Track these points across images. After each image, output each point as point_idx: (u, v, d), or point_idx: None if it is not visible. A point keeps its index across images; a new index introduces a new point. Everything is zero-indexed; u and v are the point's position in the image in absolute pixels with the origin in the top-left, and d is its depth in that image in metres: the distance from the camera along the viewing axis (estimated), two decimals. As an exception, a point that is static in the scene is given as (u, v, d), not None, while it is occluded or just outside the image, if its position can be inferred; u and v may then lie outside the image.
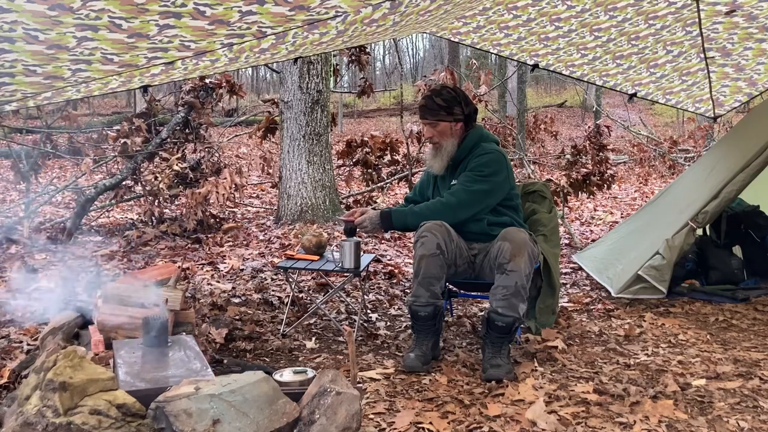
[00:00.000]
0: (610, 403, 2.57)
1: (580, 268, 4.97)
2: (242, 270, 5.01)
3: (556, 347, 3.20)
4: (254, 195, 9.57)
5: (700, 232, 4.32)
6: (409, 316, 3.10)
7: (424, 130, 3.28)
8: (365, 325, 3.66)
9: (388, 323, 3.75)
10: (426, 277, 2.95)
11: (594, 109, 17.18)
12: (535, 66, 4.61)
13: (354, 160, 7.89)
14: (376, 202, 7.75)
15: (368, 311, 3.92)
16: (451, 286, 3.61)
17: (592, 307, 4.03)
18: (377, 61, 35.31)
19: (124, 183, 6.67)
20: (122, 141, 6.49)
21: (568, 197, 6.82)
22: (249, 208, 8.24)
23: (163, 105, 7.78)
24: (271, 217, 7.43)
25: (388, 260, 5.31)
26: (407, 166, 7.97)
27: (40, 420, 1.79)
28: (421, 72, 32.52)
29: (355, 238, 3.34)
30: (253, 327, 3.57)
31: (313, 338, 3.44)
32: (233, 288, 4.46)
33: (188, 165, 6.71)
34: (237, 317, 3.75)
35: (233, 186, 6.42)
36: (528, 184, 3.92)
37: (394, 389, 2.73)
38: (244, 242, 6.12)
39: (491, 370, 2.82)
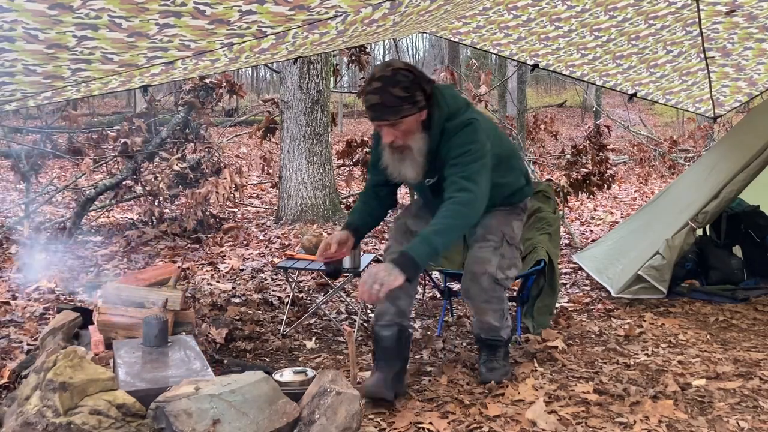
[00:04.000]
0: (610, 403, 2.57)
1: (580, 268, 4.97)
2: (242, 270, 5.01)
3: (556, 347, 3.20)
4: (254, 195, 9.57)
5: (700, 232, 4.32)
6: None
7: (384, 133, 2.45)
8: (365, 325, 3.66)
9: (388, 323, 3.75)
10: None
11: (594, 109, 17.18)
12: (535, 66, 4.60)
13: (354, 160, 7.89)
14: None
15: (368, 311, 3.92)
16: (450, 285, 3.61)
17: (592, 307, 4.03)
18: (377, 61, 35.31)
19: (124, 183, 6.68)
20: (122, 141, 6.49)
21: (568, 197, 6.82)
22: (249, 208, 8.24)
23: (163, 105, 7.79)
24: (271, 217, 7.43)
25: (388, 260, 5.30)
26: (407, 166, 7.95)
27: (40, 420, 1.79)
28: (421, 72, 32.46)
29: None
30: (253, 327, 3.57)
31: (313, 338, 3.44)
32: (233, 288, 4.46)
33: (188, 165, 6.70)
34: (237, 317, 3.75)
35: (233, 186, 6.42)
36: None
37: (394, 389, 2.72)
38: (244, 242, 6.12)
39: (487, 373, 2.77)
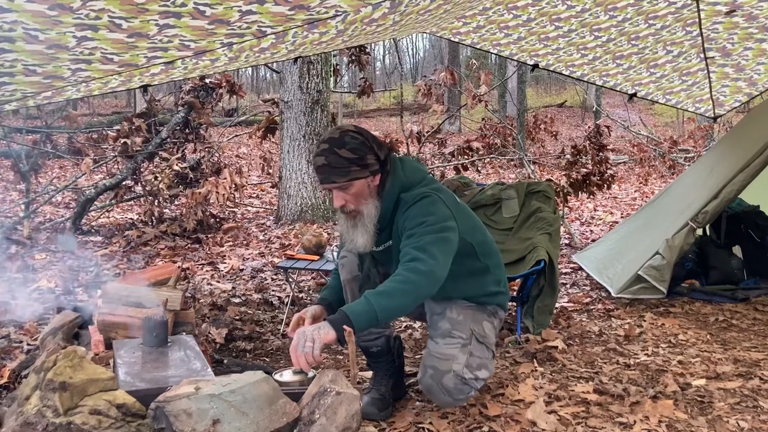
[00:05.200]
0: (610, 403, 2.57)
1: (580, 268, 4.97)
2: (242, 270, 5.01)
3: (556, 347, 3.20)
4: (254, 195, 9.57)
5: (700, 232, 4.31)
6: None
7: (334, 197, 2.35)
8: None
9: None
10: None
11: (594, 109, 17.18)
12: (535, 66, 4.60)
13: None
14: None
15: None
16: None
17: (592, 307, 4.03)
18: (377, 61, 35.32)
19: (124, 183, 6.68)
20: (122, 141, 6.49)
21: (568, 197, 6.82)
22: (249, 208, 8.24)
23: (163, 105, 7.79)
24: (271, 217, 7.43)
25: (388, 260, 5.30)
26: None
27: (40, 420, 1.79)
28: (421, 72, 32.52)
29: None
30: (253, 327, 3.57)
31: (313, 338, 3.44)
32: (233, 288, 4.46)
33: (188, 165, 6.71)
34: (237, 317, 3.75)
35: (233, 186, 6.42)
36: (532, 184, 3.94)
37: (394, 389, 2.72)
38: (244, 242, 6.12)
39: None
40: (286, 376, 2.20)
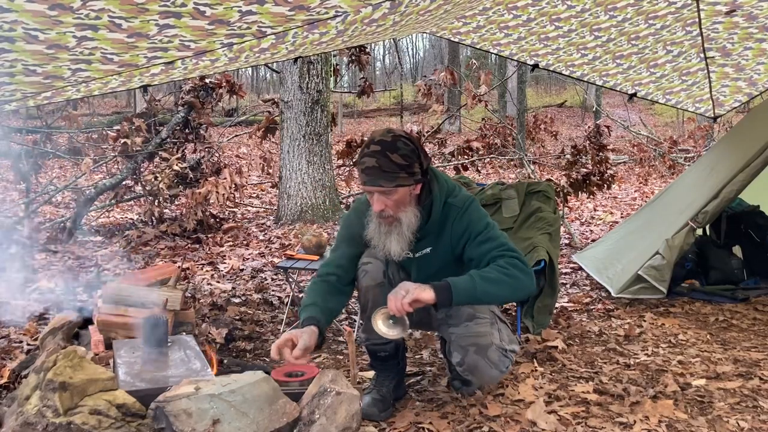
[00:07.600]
0: (610, 403, 2.57)
1: (580, 268, 4.97)
2: (242, 270, 5.01)
3: (556, 347, 3.20)
4: (254, 195, 9.57)
5: (700, 232, 4.31)
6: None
7: (372, 200, 2.31)
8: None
9: (388, 323, 3.75)
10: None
11: (594, 109, 17.19)
12: (535, 66, 4.60)
13: (354, 160, 7.89)
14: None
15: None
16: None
17: (592, 307, 4.03)
18: (377, 61, 35.33)
19: (124, 183, 6.68)
20: (122, 141, 6.50)
21: (568, 197, 6.82)
22: (249, 208, 8.24)
23: (163, 105, 7.79)
24: (271, 217, 7.43)
25: (388, 260, 5.30)
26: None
27: (40, 420, 1.80)
28: (421, 72, 32.54)
29: None
30: (253, 327, 3.57)
31: (313, 338, 3.44)
32: (233, 288, 4.46)
33: (188, 165, 6.71)
34: (237, 317, 3.75)
35: (233, 186, 6.43)
36: (532, 184, 3.94)
37: (394, 389, 2.72)
38: (244, 242, 6.12)
39: (463, 387, 2.62)
40: (381, 324, 2.20)
